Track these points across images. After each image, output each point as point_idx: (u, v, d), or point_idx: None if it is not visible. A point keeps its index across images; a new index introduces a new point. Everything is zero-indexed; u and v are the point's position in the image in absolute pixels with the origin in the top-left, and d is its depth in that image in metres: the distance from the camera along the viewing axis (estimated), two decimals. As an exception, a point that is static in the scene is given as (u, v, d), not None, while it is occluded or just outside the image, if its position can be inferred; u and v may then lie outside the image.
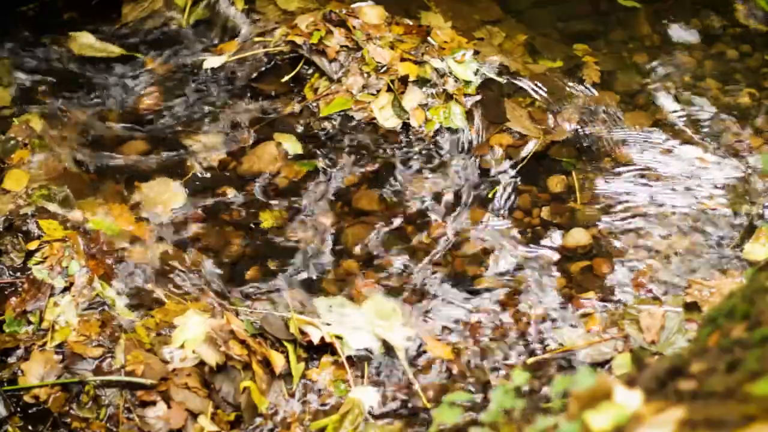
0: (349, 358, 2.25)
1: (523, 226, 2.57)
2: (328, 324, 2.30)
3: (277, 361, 2.20)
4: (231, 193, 2.64)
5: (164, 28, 3.08)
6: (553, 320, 2.35)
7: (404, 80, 2.79)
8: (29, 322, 2.27)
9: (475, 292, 2.42)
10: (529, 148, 2.72)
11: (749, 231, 2.51)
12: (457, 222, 2.58)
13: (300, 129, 2.79)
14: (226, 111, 2.84)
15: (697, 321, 2.28)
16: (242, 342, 2.20)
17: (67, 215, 2.49)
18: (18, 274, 2.35)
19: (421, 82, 2.81)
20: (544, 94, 2.87)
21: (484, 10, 3.14)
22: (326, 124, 2.79)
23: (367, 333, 2.30)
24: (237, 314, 2.30)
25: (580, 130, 2.79)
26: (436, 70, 2.83)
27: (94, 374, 2.18)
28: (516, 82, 2.89)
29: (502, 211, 2.60)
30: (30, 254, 2.38)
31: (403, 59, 2.83)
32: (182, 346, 2.20)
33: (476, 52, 2.92)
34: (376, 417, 2.17)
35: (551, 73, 2.94)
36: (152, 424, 2.10)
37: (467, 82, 2.84)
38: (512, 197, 2.63)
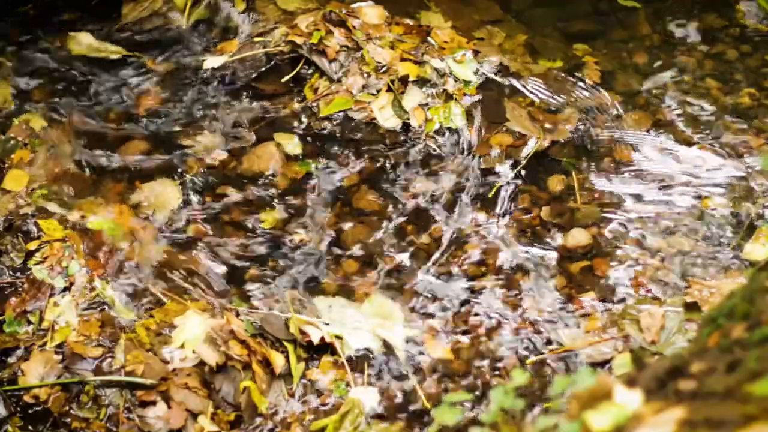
0: (349, 358, 2.25)
1: (523, 226, 2.57)
2: (328, 324, 2.30)
3: (277, 361, 2.20)
4: (231, 193, 2.64)
5: (164, 28, 3.08)
6: (553, 320, 2.35)
7: (404, 80, 2.79)
8: (29, 322, 2.27)
9: (475, 292, 2.42)
10: (529, 147, 2.72)
11: (749, 231, 2.51)
12: (457, 222, 2.58)
13: (300, 129, 2.79)
14: (226, 111, 2.84)
15: (697, 321, 2.28)
16: (242, 342, 2.20)
17: (67, 215, 2.49)
18: (18, 274, 2.35)
19: (421, 82, 2.81)
20: (544, 94, 2.87)
21: (484, 10, 3.14)
22: (326, 124, 2.79)
23: (367, 333, 2.30)
24: (237, 314, 2.30)
25: (580, 130, 2.79)
26: (436, 70, 2.83)
27: (94, 374, 2.18)
28: (516, 82, 2.89)
29: (502, 211, 2.60)
30: (30, 254, 2.38)
31: (403, 59, 2.83)
32: (182, 346, 2.20)
33: (476, 52, 2.92)
34: (376, 417, 2.17)
35: (551, 73, 2.94)
36: (152, 424, 2.11)
37: (467, 82, 2.84)
38: (512, 197, 2.63)
